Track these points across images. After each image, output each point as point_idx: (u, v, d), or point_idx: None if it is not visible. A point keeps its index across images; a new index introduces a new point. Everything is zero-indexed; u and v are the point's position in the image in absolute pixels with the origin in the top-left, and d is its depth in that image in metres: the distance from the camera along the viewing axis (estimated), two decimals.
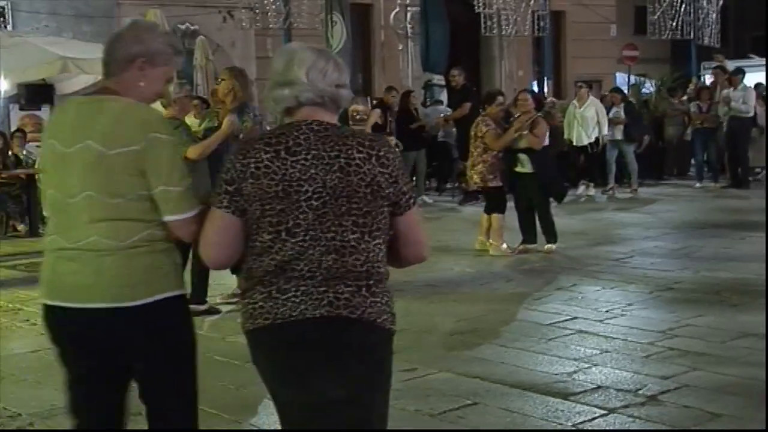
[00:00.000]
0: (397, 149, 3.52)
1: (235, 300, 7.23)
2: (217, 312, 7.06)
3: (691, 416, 4.51)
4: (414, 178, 13.76)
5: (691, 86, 18.09)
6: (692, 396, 4.78)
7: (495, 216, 9.33)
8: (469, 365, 5.39)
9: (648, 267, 8.54)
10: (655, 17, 22.37)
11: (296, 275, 2.52)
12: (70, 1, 18.92)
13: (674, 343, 5.82)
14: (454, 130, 14.81)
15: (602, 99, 16.02)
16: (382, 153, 2.58)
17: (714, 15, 22.72)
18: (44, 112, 15.14)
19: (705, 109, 16.22)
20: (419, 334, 6.12)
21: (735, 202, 13.74)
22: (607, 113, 15.08)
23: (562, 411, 4.64)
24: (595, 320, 6.51)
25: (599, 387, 4.98)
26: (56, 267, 2.82)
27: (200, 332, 6.48)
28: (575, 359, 5.54)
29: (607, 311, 6.78)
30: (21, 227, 11.98)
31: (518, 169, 9.29)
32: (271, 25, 18.11)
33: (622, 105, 15.49)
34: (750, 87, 16.27)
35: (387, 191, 2.57)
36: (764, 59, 20.13)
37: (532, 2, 21.71)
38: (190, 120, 12.64)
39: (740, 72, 16.29)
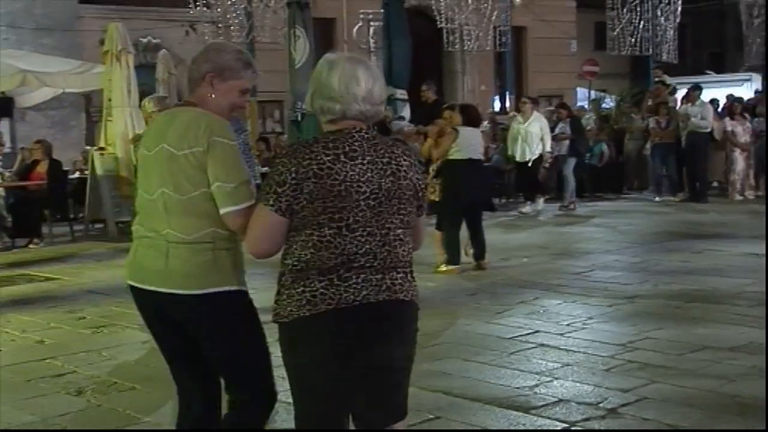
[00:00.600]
0: None
1: None
2: None
3: (651, 429, 4.56)
4: None
5: (650, 101, 18.31)
6: (651, 408, 4.83)
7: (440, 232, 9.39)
8: (432, 379, 5.40)
9: (608, 280, 8.62)
10: (615, 33, 22.70)
11: (356, 265, 2.84)
12: (30, 14, 18.75)
13: (634, 356, 5.88)
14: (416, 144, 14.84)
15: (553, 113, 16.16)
16: (417, 162, 3.05)
17: (672, 32, 23.11)
18: (3, 126, 14.96)
19: (664, 124, 16.45)
20: None
21: (693, 216, 13.93)
22: (553, 129, 15.13)
23: (524, 425, 4.66)
24: (556, 334, 6.56)
25: (560, 400, 5.02)
26: (137, 252, 3.27)
27: None
28: (537, 373, 5.58)
29: (568, 325, 6.84)
30: None
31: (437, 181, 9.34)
32: (234, 39, 18.07)
33: (569, 120, 15.58)
34: (707, 103, 16.54)
35: (419, 195, 3.03)
36: (720, 75, 20.48)
37: (493, 17, 21.92)
38: None
39: (698, 88, 16.52)
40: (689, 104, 16.09)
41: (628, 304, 7.53)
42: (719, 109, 17.92)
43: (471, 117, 9.58)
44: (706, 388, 5.15)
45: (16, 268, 10.49)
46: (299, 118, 15.19)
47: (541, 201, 14.88)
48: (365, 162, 2.87)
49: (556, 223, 13.86)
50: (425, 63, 20.65)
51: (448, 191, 9.27)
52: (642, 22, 22.63)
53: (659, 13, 22.90)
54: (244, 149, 5.22)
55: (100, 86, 14.79)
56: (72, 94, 17.23)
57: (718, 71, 30.17)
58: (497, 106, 24.88)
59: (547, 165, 14.89)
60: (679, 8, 23.24)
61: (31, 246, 12.41)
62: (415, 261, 3.05)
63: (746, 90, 23.92)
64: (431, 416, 4.75)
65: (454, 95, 23.65)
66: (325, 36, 21.85)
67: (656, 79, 18.42)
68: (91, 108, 19.12)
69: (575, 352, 6.06)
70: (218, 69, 3.23)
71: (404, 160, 2.95)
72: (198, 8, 18.01)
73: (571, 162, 15.41)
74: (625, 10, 22.60)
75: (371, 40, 21.74)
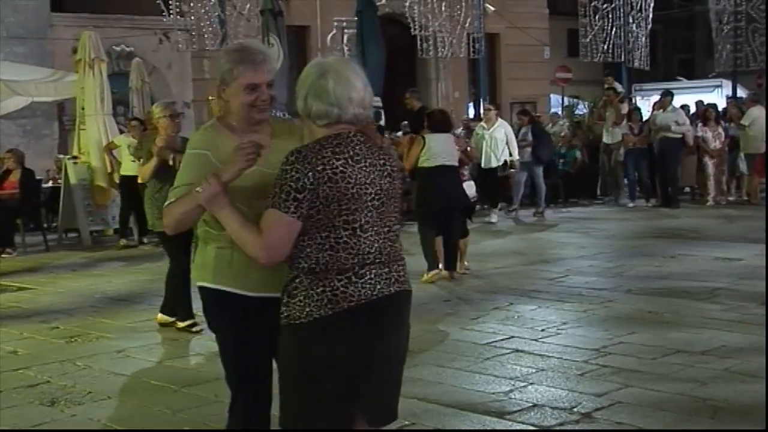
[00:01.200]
0: None
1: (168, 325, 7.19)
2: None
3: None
4: None
5: (624, 107, 18.40)
6: (625, 413, 4.88)
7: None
8: (407, 386, 5.35)
9: (582, 286, 8.68)
10: (587, 40, 22.88)
11: (368, 262, 2.98)
12: (2, 22, 18.61)
13: (608, 361, 5.93)
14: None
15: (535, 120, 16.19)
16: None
17: (643, 39, 23.32)
18: None
19: (636, 130, 16.57)
20: None
21: (666, 221, 14.04)
22: (517, 135, 15.14)
23: (499, 430, 4.69)
24: (530, 339, 6.60)
25: (535, 405, 5.06)
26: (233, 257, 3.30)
27: (137, 357, 6.44)
28: (511, 378, 5.61)
29: (542, 330, 6.88)
30: None
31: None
32: (207, 47, 18.07)
33: (530, 126, 15.52)
34: (678, 108, 16.69)
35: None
36: (692, 81, 20.65)
37: (467, 24, 22.03)
38: (129, 140, 12.59)
39: (669, 94, 16.66)
40: (661, 110, 16.22)
41: (602, 309, 7.58)
42: (690, 114, 18.08)
43: (436, 122, 9.40)
44: (678, 391, 5.20)
45: None
46: None
47: (497, 210, 14.80)
48: (367, 165, 3.00)
49: (530, 229, 13.93)
50: (399, 70, 20.69)
51: (419, 198, 9.31)
52: (614, 29, 22.83)
53: (631, 20, 23.12)
54: None
55: (72, 94, 14.72)
56: (44, 103, 17.11)
57: (689, 77, 30.50)
58: (471, 112, 24.97)
59: (514, 170, 14.85)
60: (651, 15, 23.48)
61: (3, 255, 12.31)
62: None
63: (717, 96, 24.16)
64: (406, 422, 4.76)
65: (428, 102, 23.63)
66: (299, 43, 21.86)
67: (606, 86, 18.49)
68: (63, 116, 19.01)
69: (549, 357, 6.10)
70: (220, 78, 3.29)
71: (393, 161, 3.14)
72: (171, 16, 17.97)
73: (539, 169, 15.44)
74: (597, 17, 22.80)
75: (345, 48, 21.77)
